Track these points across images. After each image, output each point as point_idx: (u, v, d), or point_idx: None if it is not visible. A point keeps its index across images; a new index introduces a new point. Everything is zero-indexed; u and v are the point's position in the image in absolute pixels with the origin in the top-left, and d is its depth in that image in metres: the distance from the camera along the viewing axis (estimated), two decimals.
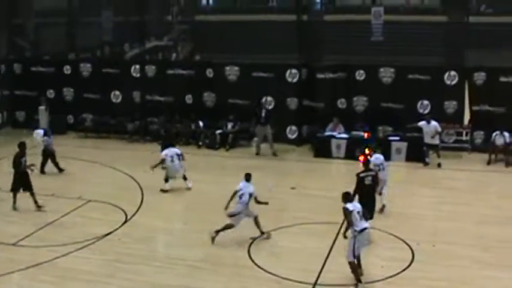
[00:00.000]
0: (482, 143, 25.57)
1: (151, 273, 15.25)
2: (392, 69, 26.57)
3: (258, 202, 16.92)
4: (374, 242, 16.47)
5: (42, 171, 22.84)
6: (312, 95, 27.23)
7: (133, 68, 29.35)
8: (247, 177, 17.10)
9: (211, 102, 28.31)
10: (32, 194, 19.30)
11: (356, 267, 14.33)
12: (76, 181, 22.61)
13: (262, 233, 16.91)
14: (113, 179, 22.87)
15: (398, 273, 15.07)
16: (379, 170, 18.48)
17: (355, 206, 14.54)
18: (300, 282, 14.62)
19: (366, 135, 25.31)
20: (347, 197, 14.66)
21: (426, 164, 23.75)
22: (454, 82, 25.95)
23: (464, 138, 25.87)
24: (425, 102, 26.04)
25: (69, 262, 15.86)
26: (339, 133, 25.70)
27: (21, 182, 19.35)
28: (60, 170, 23.32)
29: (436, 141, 24.16)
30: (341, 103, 26.93)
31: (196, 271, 15.34)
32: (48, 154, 23.32)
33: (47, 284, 14.88)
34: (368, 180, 16.91)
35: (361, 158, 23.54)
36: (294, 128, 27.30)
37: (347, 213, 14.33)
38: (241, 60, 29.09)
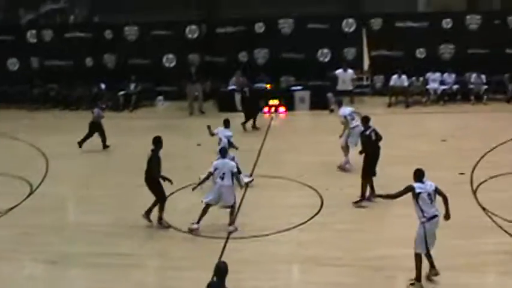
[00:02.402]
0: (382, 86, 26.24)
1: (62, 243, 14.93)
2: (291, 20, 26.73)
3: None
4: (286, 191, 16.79)
5: None
6: (213, 50, 27.11)
7: (29, 33, 28.47)
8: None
9: (112, 64, 27.87)
10: None
11: (419, 261, 12.31)
12: None
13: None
14: (16, 150, 22.27)
15: (309, 219, 15.41)
16: (352, 119, 18.34)
17: (425, 187, 12.34)
18: (214, 237, 14.76)
19: (268, 86, 25.54)
20: (418, 175, 12.48)
21: (331, 111, 24.07)
22: (352, 29, 26.39)
23: (365, 83, 26.46)
24: (325, 50, 26.44)
25: None
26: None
27: None
28: None
29: (350, 87, 24.66)
30: (242, 56, 26.95)
31: (108, 236, 15.16)
32: None
33: None
34: (374, 136, 16.46)
35: (266, 109, 24.11)
36: None
37: (410, 192, 12.40)
38: (140, 20, 28.60)
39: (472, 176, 17.60)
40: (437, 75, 25.74)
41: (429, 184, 12.41)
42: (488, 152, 19.47)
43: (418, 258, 12.30)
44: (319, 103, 24.85)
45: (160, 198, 15.41)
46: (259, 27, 26.88)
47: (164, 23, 27.77)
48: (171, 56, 27.03)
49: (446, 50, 26.48)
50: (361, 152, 16.50)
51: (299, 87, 25.40)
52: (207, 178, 15.16)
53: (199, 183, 15.39)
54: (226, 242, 14.60)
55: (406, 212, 15.43)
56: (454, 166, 18.23)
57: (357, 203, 16.21)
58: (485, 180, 17.31)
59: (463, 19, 26.56)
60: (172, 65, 27.01)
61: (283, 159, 19.68)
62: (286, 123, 24.31)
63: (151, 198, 15.43)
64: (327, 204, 16.25)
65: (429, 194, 12.30)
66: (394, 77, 25.10)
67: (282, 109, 24.91)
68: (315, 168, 18.79)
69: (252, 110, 23.10)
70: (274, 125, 23.75)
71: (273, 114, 24.80)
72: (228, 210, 15.06)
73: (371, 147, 16.39)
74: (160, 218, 15.43)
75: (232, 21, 27.58)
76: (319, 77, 25.82)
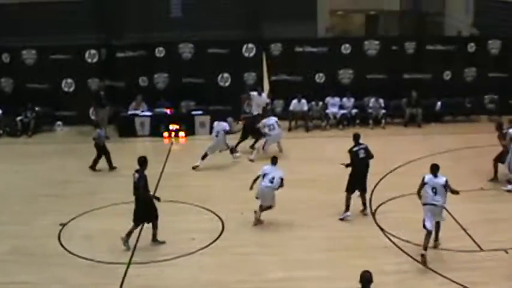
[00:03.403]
0: (282, 110, 26.51)
1: None
2: (191, 45, 26.72)
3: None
4: (186, 215, 16.73)
5: None
6: (113, 75, 26.81)
7: None
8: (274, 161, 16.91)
9: (10, 88, 27.07)
10: None
11: (427, 236, 14.29)
12: None
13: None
14: None
15: (210, 244, 15.37)
16: (272, 128, 20.96)
17: (433, 180, 14.48)
18: (114, 263, 14.52)
19: (168, 111, 25.45)
20: (433, 169, 14.56)
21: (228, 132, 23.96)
22: (252, 54, 26.62)
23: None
24: (226, 75, 26.55)
25: None
26: (142, 111, 25.60)
27: None
28: None
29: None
30: (143, 81, 26.74)
31: (4, 265, 14.65)
32: None
33: None
34: (362, 154, 16.93)
35: (166, 134, 24.01)
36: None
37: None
38: (38, 43, 28.01)
39: (371, 198, 17.92)
40: (337, 99, 26.22)
41: (440, 179, 14.47)
42: (387, 174, 19.93)
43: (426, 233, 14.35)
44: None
45: (155, 218, 15.29)
46: (160, 52, 26.75)
47: (63, 47, 27.20)
48: (70, 80, 26.53)
49: (345, 75, 26.99)
50: (347, 166, 16.97)
51: (199, 112, 25.38)
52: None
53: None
54: (127, 267, 14.37)
55: (307, 234, 15.78)
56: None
57: (343, 219, 16.75)
58: (384, 202, 17.70)
59: (362, 45, 27.11)
60: (71, 89, 26.50)
61: (183, 184, 19.60)
62: (187, 148, 24.20)
63: (49, 225, 15.07)
64: (227, 228, 16.25)
65: (434, 188, 14.37)
66: (294, 101, 25.41)
67: (182, 134, 24.80)
68: (216, 193, 18.80)
69: None
70: (174, 150, 23.63)
71: (173, 139, 24.66)
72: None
73: (357, 164, 16.88)
74: (154, 236, 15.44)
75: (132, 46, 27.34)
76: (219, 102, 25.88)
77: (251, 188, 16.51)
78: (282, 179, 16.40)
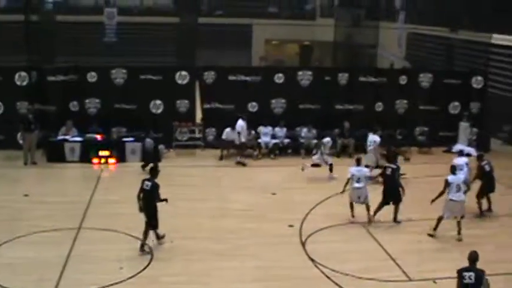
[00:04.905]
0: (214, 139, 26.40)
1: None
2: (124, 70, 26.41)
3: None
4: (115, 244, 16.42)
5: None
6: (43, 99, 26.24)
7: None
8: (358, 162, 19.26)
9: None
10: None
11: (439, 221, 17.55)
12: None
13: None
14: None
15: (138, 273, 15.05)
16: None
17: (455, 178, 17.55)
18: None
19: (99, 137, 25.06)
20: (452, 169, 17.79)
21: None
22: (185, 81, 26.49)
23: (197, 135, 26.54)
24: (158, 102, 26.32)
25: None
26: (72, 136, 25.14)
27: None
28: None
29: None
30: (73, 106, 26.27)
31: None
32: None
33: None
34: (388, 171, 18.77)
35: (96, 160, 23.63)
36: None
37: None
38: None
39: (301, 228, 17.92)
40: (269, 129, 26.21)
41: (459, 177, 17.77)
42: (317, 204, 19.97)
43: (439, 218, 17.54)
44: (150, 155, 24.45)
45: (155, 226, 16.33)
46: (92, 77, 26.37)
47: None
48: None
49: (278, 104, 27.05)
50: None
51: (131, 139, 25.05)
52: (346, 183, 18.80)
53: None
54: None
55: (237, 264, 15.65)
56: (284, 218, 18.53)
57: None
58: (314, 232, 17.69)
59: (295, 74, 27.24)
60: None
61: (112, 211, 19.22)
62: (117, 175, 23.83)
63: None
64: (157, 256, 15.97)
65: (458, 184, 17.39)
66: (227, 130, 25.29)
67: (112, 160, 24.41)
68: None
69: None
70: (104, 176, 23.22)
71: (103, 165, 24.24)
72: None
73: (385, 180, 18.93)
74: (143, 245, 16.18)
75: (64, 69, 26.86)
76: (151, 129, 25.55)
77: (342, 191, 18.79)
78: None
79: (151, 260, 15.80)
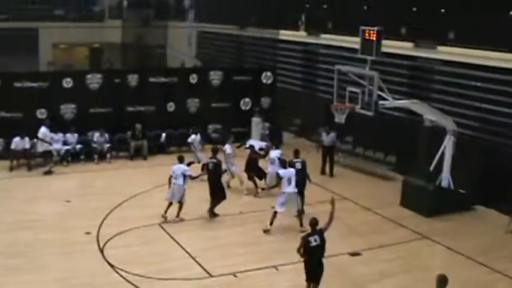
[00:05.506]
0: (3, 150, 25.25)
1: None
2: None
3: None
4: None
5: None
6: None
7: None
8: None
9: None
10: None
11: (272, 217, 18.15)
12: None
13: None
14: None
15: None
16: None
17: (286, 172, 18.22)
18: None
19: None
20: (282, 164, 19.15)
21: None
22: None
23: None
24: None
25: None
26: None
27: None
28: None
29: None
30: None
31: None
32: None
33: None
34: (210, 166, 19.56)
35: None
36: None
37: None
38: None
39: (98, 235, 17.66)
40: (60, 135, 25.43)
41: (290, 170, 18.32)
42: (114, 209, 19.79)
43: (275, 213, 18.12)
44: None
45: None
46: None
47: None
48: None
49: (68, 110, 26.38)
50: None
51: None
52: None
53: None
54: None
55: (31, 278, 15.14)
56: (80, 226, 18.13)
57: None
58: (112, 237, 17.49)
59: (84, 78, 26.74)
60: None
61: None
62: None
63: None
64: None
65: (289, 178, 18.02)
66: (16, 139, 24.22)
67: None
68: None
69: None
70: None
71: None
72: None
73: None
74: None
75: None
76: None
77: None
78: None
79: None
